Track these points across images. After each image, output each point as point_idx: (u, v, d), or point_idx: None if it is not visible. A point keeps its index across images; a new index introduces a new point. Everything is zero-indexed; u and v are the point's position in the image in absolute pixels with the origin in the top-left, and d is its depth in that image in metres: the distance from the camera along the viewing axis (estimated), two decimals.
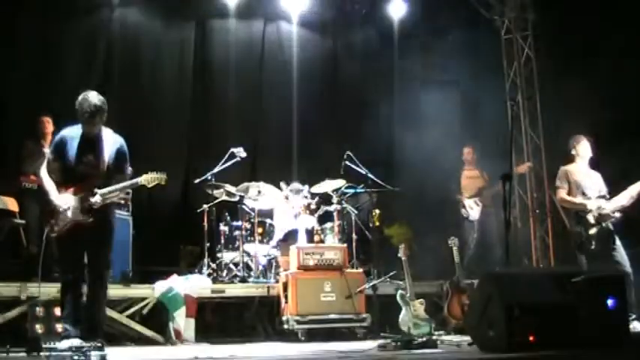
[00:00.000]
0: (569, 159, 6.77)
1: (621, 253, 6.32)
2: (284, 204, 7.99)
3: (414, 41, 10.05)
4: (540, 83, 9.56)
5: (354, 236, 7.84)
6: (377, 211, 7.95)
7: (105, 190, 5.04)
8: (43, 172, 5.17)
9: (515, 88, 9.67)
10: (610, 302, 4.62)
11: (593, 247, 6.26)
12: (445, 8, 9.64)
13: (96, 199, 4.99)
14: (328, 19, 10.30)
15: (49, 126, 7.36)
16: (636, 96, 7.97)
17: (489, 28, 9.86)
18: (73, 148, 5.10)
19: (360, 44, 10.53)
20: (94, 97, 5.04)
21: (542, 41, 9.45)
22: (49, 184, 5.11)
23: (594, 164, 6.75)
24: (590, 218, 6.37)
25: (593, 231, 6.31)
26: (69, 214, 5.02)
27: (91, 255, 5.09)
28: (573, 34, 8.51)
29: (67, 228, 5.03)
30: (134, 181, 5.18)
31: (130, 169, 5.32)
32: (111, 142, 5.16)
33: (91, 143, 5.12)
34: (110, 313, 6.20)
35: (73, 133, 5.16)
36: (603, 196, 6.44)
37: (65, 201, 5.04)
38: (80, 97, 5.05)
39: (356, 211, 8.00)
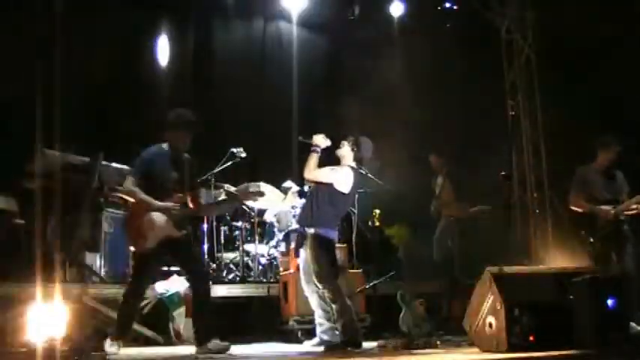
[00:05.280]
0: (593, 158, 6.62)
1: (630, 257, 6.29)
2: (284, 204, 7.99)
3: (413, 41, 10.04)
4: (540, 83, 9.54)
5: (354, 236, 7.84)
6: (377, 211, 7.93)
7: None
8: (135, 188, 5.09)
9: (515, 88, 9.66)
10: (610, 302, 4.63)
11: (599, 248, 6.26)
12: (445, 8, 9.63)
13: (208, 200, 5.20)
14: (328, 17, 10.30)
15: None
16: (637, 96, 7.97)
17: (489, 27, 9.85)
18: (161, 167, 5.16)
19: (360, 43, 10.52)
20: (189, 112, 5.16)
21: (543, 41, 9.43)
22: (147, 196, 5.04)
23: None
24: (599, 221, 6.36)
25: (600, 233, 6.31)
26: (160, 229, 5.01)
27: (183, 260, 5.27)
28: (573, 33, 8.51)
29: (156, 244, 5.02)
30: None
31: None
32: (186, 159, 5.28)
33: (176, 161, 5.21)
34: (110, 313, 6.19)
35: (159, 152, 5.22)
36: (614, 200, 6.41)
37: (159, 216, 5.03)
38: (176, 111, 5.15)
39: (356, 211, 7.99)
